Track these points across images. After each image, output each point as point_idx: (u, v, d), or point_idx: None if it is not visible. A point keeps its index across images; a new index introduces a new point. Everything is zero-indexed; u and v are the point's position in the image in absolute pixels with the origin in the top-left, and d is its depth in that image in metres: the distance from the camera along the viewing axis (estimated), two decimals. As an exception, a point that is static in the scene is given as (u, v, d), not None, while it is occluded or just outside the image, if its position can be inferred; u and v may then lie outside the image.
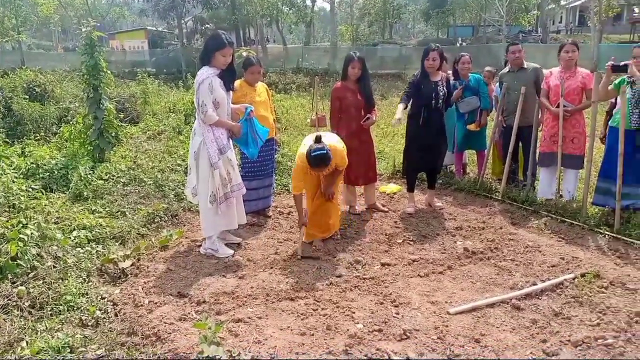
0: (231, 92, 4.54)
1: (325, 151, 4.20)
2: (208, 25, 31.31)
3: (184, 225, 5.22)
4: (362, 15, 44.91)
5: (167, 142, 8.11)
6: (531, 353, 2.96)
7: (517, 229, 5.07)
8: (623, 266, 4.15)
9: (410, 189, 5.72)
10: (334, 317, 3.33)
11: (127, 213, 5.21)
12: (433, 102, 5.27)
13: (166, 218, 5.27)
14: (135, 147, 7.68)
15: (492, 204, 5.82)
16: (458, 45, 33.00)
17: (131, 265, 4.10)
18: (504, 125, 6.09)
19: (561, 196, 5.55)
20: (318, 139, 4.26)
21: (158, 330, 3.13)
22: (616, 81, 4.88)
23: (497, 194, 5.97)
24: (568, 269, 4.09)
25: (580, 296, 3.61)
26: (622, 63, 4.65)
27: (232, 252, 4.45)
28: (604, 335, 3.09)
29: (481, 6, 34.94)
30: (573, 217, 5.12)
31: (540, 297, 3.65)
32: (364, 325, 3.23)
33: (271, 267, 4.20)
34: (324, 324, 3.25)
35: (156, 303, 3.48)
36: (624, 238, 4.62)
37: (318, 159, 4.20)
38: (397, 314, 3.37)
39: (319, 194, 4.66)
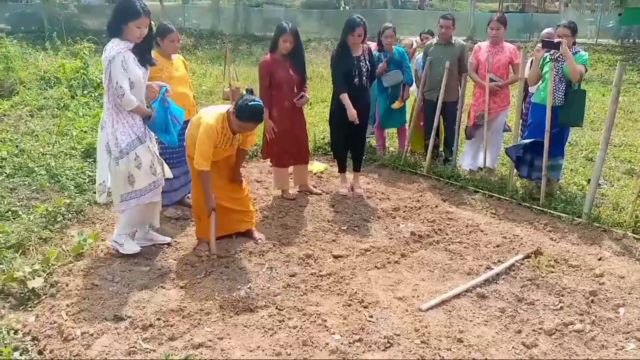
0: (149, 68, 3.85)
1: (261, 103, 3.68)
2: (71, -24, 27.67)
3: (94, 223, 4.47)
4: (243, -26, 42.98)
5: (58, 122, 6.74)
6: (513, 347, 2.92)
7: (451, 206, 5.09)
8: (559, 241, 4.33)
9: (342, 169, 5.46)
10: (306, 329, 3.00)
11: (20, 213, 4.32)
12: (356, 79, 4.96)
13: (70, 215, 4.45)
14: (14, 127, 6.40)
15: (418, 180, 5.79)
16: (342, 9, 33.00)
17: (43, 282, 3.36)
18: (423, 101, 6.04)
19: (481, 169, 5.71)
20: (251, 91, 3.72)
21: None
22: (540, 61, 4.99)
23: (421, 169, 5.96)
24: (513, 248, 4.16)
25: (534, 278, 3.68)
26: (555, 40, 4.71)
27: (138, 248, 3.83)
28: (572, 321, 3.15)
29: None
30: (500, 191, 5.27)
31: (497, 282, 3.65)
32: (340, 336, 2.95)
33: (212, 270, 3.72)
34: (298, 338, 2.91)
35: (92, 334, 2.84)
36: (550, 211, 4.84)
37: (257, 110, 3.61)
38: (371, 317, 3.14)
39: (226, 181, 4.10)
